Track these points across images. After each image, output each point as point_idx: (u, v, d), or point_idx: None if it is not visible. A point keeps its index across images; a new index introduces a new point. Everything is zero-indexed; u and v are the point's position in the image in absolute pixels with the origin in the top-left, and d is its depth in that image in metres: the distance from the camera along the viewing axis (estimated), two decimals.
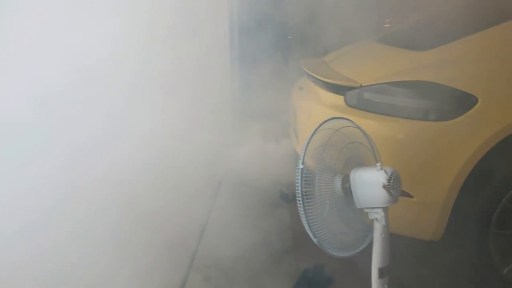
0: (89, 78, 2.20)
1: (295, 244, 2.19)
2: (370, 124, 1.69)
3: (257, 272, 1.95)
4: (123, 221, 2.01)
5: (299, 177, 1.28)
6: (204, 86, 2.94)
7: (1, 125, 1.79)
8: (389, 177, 1.28)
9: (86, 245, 1.84)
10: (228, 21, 3.35)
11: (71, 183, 1.96)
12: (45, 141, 1.94)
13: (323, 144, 1.36)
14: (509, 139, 1.54)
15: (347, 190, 1.35)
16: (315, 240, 1.29)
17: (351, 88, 1.85)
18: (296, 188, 1.28)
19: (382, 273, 1.34)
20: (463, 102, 1.59)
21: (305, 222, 1.27)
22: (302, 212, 1.27)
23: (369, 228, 1.39)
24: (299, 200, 1.27)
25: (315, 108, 2.04)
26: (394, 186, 1.28)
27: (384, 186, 1.27)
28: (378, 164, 1.32)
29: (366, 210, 1.35)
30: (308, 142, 1.32)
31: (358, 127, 1.45)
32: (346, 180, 1.36)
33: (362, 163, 1.42)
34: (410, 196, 1.64)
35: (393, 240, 1.40)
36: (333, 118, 1.41)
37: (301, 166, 1.29)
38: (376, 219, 1.33)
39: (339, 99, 1.89)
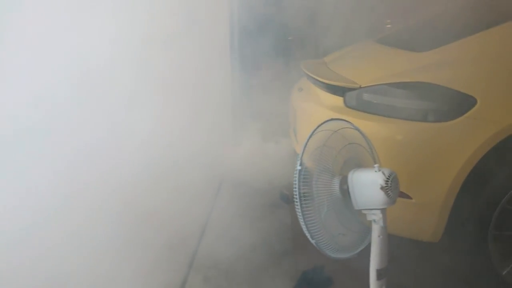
0: (91, 80, 2.22)
1: (295, 245, 2.19)
2: (370, 125, 1.69)
3: (257, 273, 1.96)
4: (124, 222, 2.02)
5: (296, 179, 1.28)
6: (205, 87, 2.95)
7: (4, 128, 1.81)
8: (387, 178, 1.28)
9: (88, 245, 1.85)
10: (229, 22, 3.35)
11: (72, 185, 1.98)
12: (48, 143, 1.96)
13: (321, 146, 1.36)
14: (508, 140, 1.54)
15: (345, 192, 1.36)
16: (313, 241, 1.30)
17: (350, 89, 1.85)
18: (294, 189, 1.28)
19: (380, 274, 1.34)
20: (462, 103, 1.58)
21: (303, 223, 1.28)
22: (300, 214, 1.28)
23: (367, 230, 1.39)
24: (296, 202, 1.28)
25: (315, 109, 2.04)
26: (392, 188, 1.28)
27: (382, 188, 1.28)
28: (376, 165, 1.32)
29: (364, 212, 1.35)
30: (306, 144, 1.33)
31: (357, 129, 1.45)
32: (344, 181, 1.36)
33: (360, 165, 1.42)
34: (409, 197, 1.64)
35: (392, 241, 1.41)
36: (332, 119, 1.41)
37: (298, 168, 1.29)
38: (374, 220, 1.33)
39: (338, 100, 1.90)
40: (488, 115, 1.56)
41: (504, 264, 1.66)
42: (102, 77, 2.26)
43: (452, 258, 1.75)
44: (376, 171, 1.31)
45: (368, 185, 1.31)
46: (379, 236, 1.33)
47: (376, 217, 1.32)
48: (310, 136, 1.34)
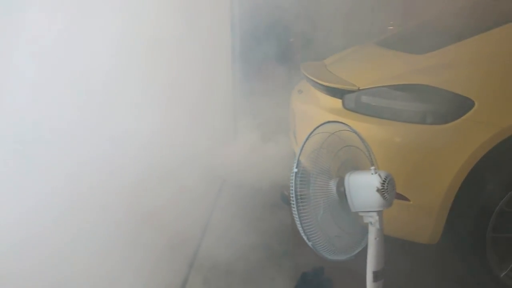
0: (94, 83, 2.24)
1: (295, 246, 2.19)
2: (368, 128, 1.70)
3: (256, 274, 1.97)
4: (126, 223, 2.03)
5: (293, 181, 1.29)
6: (206, 89, 2.97)
7: (6, 134, 1.84)
8: (383, 181, 1.29)
9: (90, 247, 1.87)
10: (230, 25, 3.37)
11: (76, 187, 2.00)
12: (51, 147, 1.98)
13: (318, 148, 1.37)
14: (506, 142, 1.54)
15: (342, 194, 1.36)
16: (309, 243, 1.30)
17: (349, 92, 1.86)
18: (291, 191, 1.29)
19: (376, 276, 1.35)
20: (460, 105, 1.59)
21: (300, 225, 1.29)
22: (297, 216, 1.28)
23: (364, 232, 1.39)
24: (293, 204, 1.28)
25: (314, 111, 2.05)
26: (388, 190, 1.29)
27: (378, 190, 1.28)
28: (372, 167, 1.33)
29: (360, 214, 1.36)
30: (303, 146, 1.34)
31: (354, 131, 1.46)
32: (341, 183, 1.37)
33: (357, 167, 1.43)
34: (407, 199, 1.65)
35: (389, 243, 1.41)
36: (329, 122, 1.42)
37: (295, 170, 1.30)
38: (371, 222, 1.34)
39: (337, 103, 1.90)
40: (485, 117, 1.56)
41: (502, 266, 1.66)
42: (104, 80, 2.28)
43: (450, 260, 1.75)
44: (372, 174, 1.31)
45: (364, 187, 1.32)
46: (375, 238, 1.34)
47: (372, 219, 1.33)
48: (307, 139, 1.35)
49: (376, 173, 1.31)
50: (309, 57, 2.89)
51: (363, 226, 1.39)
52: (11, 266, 1.66)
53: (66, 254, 1.82)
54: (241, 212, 2.47)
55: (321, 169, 1.36)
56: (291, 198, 1.29)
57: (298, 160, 1.32)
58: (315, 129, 1.38)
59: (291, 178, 1.30)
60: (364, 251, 1.43)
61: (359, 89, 1.83)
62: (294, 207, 1.29)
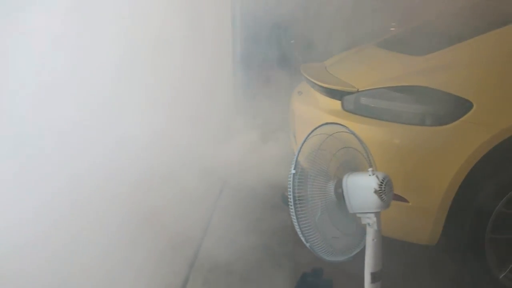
0: (96, 84, 2.25)
1: (295, 247, 2.20)
2: (367, 129, 1.71)
3: (256, 275, 1.97)
4: (127, 224, 2.05)
5: (291, 182, 1.30)
6: (208, 91, 2.98)
7: (11, 137, 1.85)
8: (381, 182, 1.29)
9: (92, 247, 1.88)
10: (231, 27, 3.38)
11: (77, 189, 2.01)
12: (53, 148, 1.99)
13: (316, 149, 1.37)
14: (504, 144, 1.54)
15: (340, 195, 1.37)
16: (307, 244, 1.31)
17: (348, 93, 1.86)
18: (288, 193, 1.30)
19: (374, 277, 1.35)
20: (458, 107, 1.59)
21: (297, 226, 1.29)
22: (294, 217, 1.29)
23: (362, 233, 1.40)
24: (291, 205, 1.29)
25: (313, 113, 2.05)
26: (385, 192, 1.29)
27: (376, 191, 1.29)
28: (370, 169, 1.33)
29: (358, 215, 1.37)
30: (301, 148, 1.35)
31: (352, 132, 1.47)
32: (339, 185, 1.38)
33: (355, 168, 1.43)
34: (405, 200, 1.65)
35: (388, 244, 1.41)
36: (327, 123, 1.43)
37: (293, 171, 1.31)
38: (368, 224, 1.34)
39: (336, 104, 1.91)
40: (484, 119, 1.57)
41: (501, 267, 1.66)
42: (106, 82, 2.29)
43: (449, 262, 1.75)
44: (370, 175, 1.32)
45: (362, 188, 1.32)
46: (373, 240, 1.34)
47: (370, 220, 1.33)
48: (305, 140, 1.36)
49: (373, 174, 1.31)
50: (310, 59, 2.90)
51: (361, 227, 1.40)
52: (13, 266, 1.68)
53: (67, 255, 1.83)
54: (242, 213, 2.48)
55: (319, 170, 1.37)
56: (289, 200, 1.29)
57: (296, 162, 1.33)
58: (313, 131, 1.39)
59: (289, 179, 1.31)
60: (362, 252, 1.44)
61: (358, 91, 1.83)
62: (292, 208, 1.29)
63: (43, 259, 1.76)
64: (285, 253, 2.16)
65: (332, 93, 1.93)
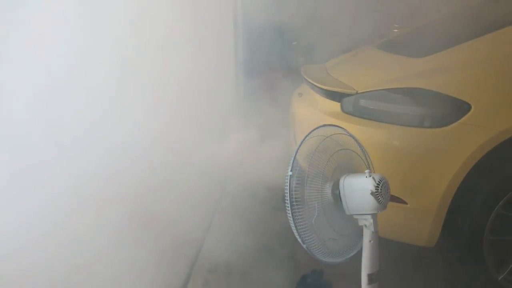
0: (98, 84, 2.27)
1: (295, 248, 2.20)
2: (366, 131, 1.72)
3: (257, 276, 1.98)
4: (128, 225, 2.06)
5: (288, 184, 1.31)
6: (209, 92, 2.99)
7: (13, 138, 1.87)
8: (377, 184, 1.30)
9: (93, 248, 1.90)
10: (233, 28, 3.39)
11: (79, 190, 2.03)
12: (54, 147, 2.01)
13: (314, 151, 1.39)
14: (503, 146, 1.54)
15: (337, 197, 1.38)
16: (304, 245, 1.32)
17: (347, 95, 1.87)
18: (285, 194, 1.31)
19: (371, 279, 1.36)
20: (457, 109, 1.59)
21: (294, 228, 1.30)
22: (291, 219, 1.30)
23: (359, 235, 1.40)
24: (288, 206, 1.30)
25: (313, 114, 2.06)
26: (382, 193, 1.30)
27: (372, 193, 1.29)
28: (367, 171, 1.34)
29: (355, 217, 1.37)
30: (298, 149, 1.36)
31: (349, 134, 1.48)
32: (336, 186, 1.39)
33: (352, 170, 1.44)
34: (404, 202, 1.65)
35: (387, 245, 1.42)
36: (324, 125, 1.44)
37: (290, 173, 1.32)
38: (365, 225, 1.35)
39: (335, 106, 1.91)
40: (482, 121, 1.57)
41: (500, 269, 1.66)
42: (108, 81, 2.31)
43: (448, 263, 1.75)
44: (367, 177, 1.33)
45: (358, 190, 1.33)
46: (370, 241, 1.35)
47: (367, 222, 1.34)
48: (302, 142, 1.37)
49: (370, 176, 1.32)
50: (311, 60, 2.90)
51: (358, 229, 1.40)
52: (14, 267, 1.70)
53: (69, 256, 1.85)
54: (242, 214, 2.49)
55: (316, 172, 1.38)
56: (286, 202, 1.30)
57: (293, 163, 1.34)
58: (310, 132, 1.40)
59: (286, 181, 1.32)
60: (361, 254, 1.44)
61: (357, 93, 1.84)
62: (289, 210, 1.30)
63: (45, 260, 1.78)
64: (285, 254, 2.17)
65: (331, 95, 1.94)
